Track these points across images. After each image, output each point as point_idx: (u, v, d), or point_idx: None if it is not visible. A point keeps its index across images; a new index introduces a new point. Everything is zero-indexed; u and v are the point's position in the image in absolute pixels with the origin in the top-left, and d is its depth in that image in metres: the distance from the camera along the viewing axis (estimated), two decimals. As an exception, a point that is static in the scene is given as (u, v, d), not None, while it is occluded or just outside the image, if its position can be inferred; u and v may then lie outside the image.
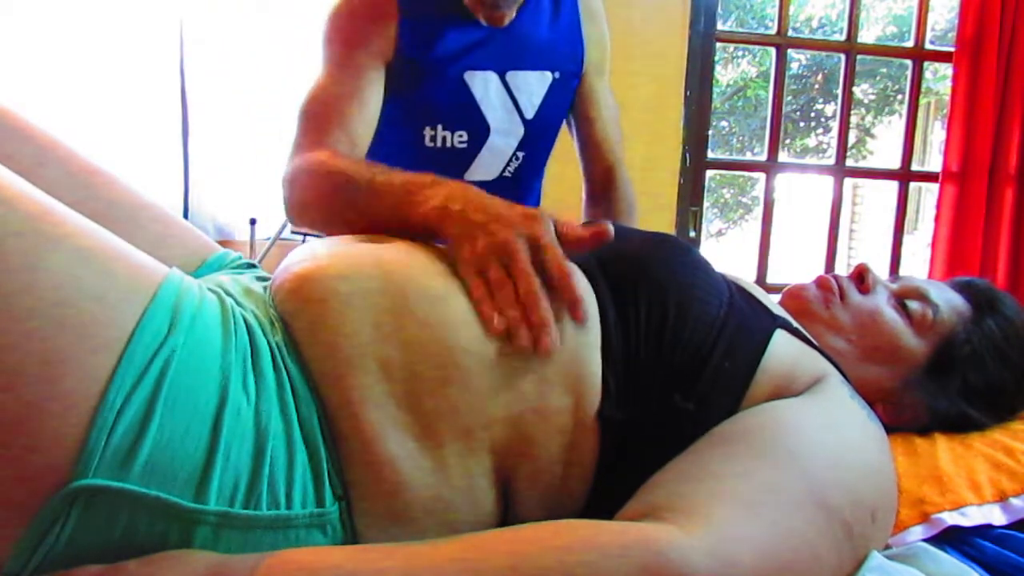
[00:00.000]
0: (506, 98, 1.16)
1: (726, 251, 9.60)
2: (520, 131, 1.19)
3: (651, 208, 2.28)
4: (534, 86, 1.18)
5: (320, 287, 0.60)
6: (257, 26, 2.07)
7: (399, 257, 0.64)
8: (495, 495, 0.60)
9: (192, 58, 2.01)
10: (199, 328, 0.54)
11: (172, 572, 0.47)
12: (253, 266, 0.82)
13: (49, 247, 0.49)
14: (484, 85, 1.14)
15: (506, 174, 1.22)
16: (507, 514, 0.61)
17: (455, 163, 1.18)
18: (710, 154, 2.39)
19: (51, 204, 0.52)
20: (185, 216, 2.00)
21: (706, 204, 2.55)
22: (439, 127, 1.15)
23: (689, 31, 2.26)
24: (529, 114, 1.19)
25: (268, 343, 0.58)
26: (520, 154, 1.21)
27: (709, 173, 2.43)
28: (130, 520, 0.48)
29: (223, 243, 0.86)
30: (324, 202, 0.85)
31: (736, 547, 0.51)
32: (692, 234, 2.38)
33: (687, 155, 2.32)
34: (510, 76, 1.16)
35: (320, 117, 1.00)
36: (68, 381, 0.47)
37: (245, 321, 0.59)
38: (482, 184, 1.17)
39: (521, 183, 1.25)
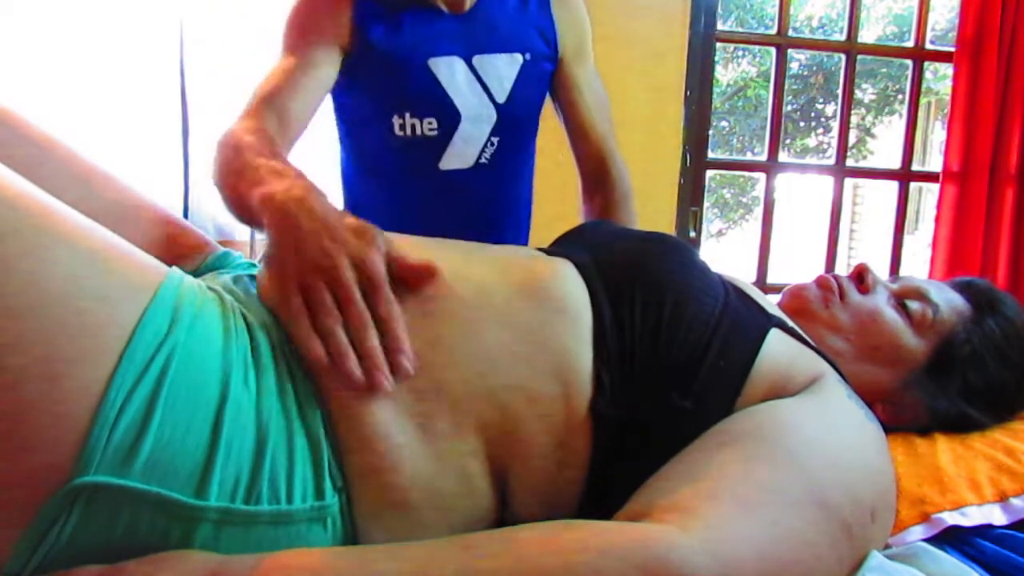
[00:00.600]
0: (474, 83, 1.14)
1: (726, 251, 9.61)
2: (492, 116, 1.16)
3: (651, 208, 2.27)
4: (503, 69, 1.15)
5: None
6: (257, 26, 2.07)
7: None
8: (491, 488, 0.60)
9: (192, 58, 2.01)
10: (200, 326, 0.54)
11: (172, 572, 0.47)
12: (253, 266, 0.82)
13: (50, 246, 0.49)
14: (450, 71, 1.12)
15: (482, 161, 1.19)
16: (505, 514, 0.61)
17: (427, 151, 1.16)
18: (710, 154, 2.39)
19: (52, 203, 0.52)
20: (185, 216, 1.99)
21: (706, 204, 2.54)
22: (407, 115, 1.13)
23: (689, 31, 2.26)
24: (501, 98, 1.16)
25: (269, 339, 0.58)
26: (495, 139, 1.18)
27: (709, 173, 2.42)
28: (131, 518, 0.48)
29: (223, 243, 0.86)
30: (218, 171, 0.86)
31: (736, 547, 0.51)
32: (692, 234, 2.38)
33: (687, 155, 2.32)
34: (477, 60, 1.14)
35: (258, 97, 1.02)
36: (69, 380, 0.47)
37: (245, 319, 0.59)
38: (459, 172, 1.17)
39: (499, 170, 1.22)
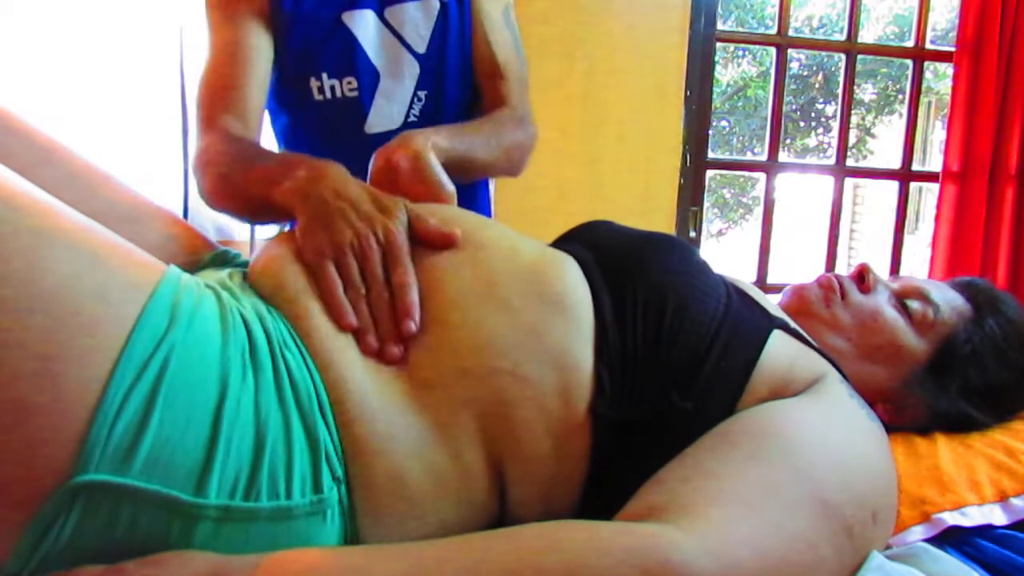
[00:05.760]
0: (388, 35, 1.09)
1: (726, 251, 9.61)
2: (415, 69, 1.10)
3: (651, 208, 2.28)
4: (418, 18, 1.09)
5: (292, 258, 0.65)
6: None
7: None
8: (488, 476, 0.60)
9: (192, 60, 2.02)
10: (198, 324, 0.54)
11: (172, 572, 0.47)
12: (252, 265, 0.82)
13: (49, 245, 0.49)
14: (364, 24, 1.07)
15: (411, 119, 1.12)
16: (505, 516, 0.61)
17: (350, 114, 1.10)
18: (710, 154, 2.39)
19: (51, 203, 0.52)
20: (185, 216, 1.99)
21: (706, 204, 2.54)
22: (324, 76, 1.08)
23: (689, 31, 2.26)
24: (420, 48, 1.10)
25: (266, 335, 0.58)
26: (422, 94, 1.12)
27: (709, 173, 2.42)
28: (131, 516, 0.48)
29: (223, 243, 0.86)
30: (218, 190, 0.91)
31: (737, 548, 0.51)
32: (692, 234, 2.37)
33: (687, 155, 2.32)
34: (388, 12, 1.09)
35: (209, 102, 1.02)
36: (68, 378, 0.47)
37: (243, 316, 0.59)
38: (389, 135, 1.05)
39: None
